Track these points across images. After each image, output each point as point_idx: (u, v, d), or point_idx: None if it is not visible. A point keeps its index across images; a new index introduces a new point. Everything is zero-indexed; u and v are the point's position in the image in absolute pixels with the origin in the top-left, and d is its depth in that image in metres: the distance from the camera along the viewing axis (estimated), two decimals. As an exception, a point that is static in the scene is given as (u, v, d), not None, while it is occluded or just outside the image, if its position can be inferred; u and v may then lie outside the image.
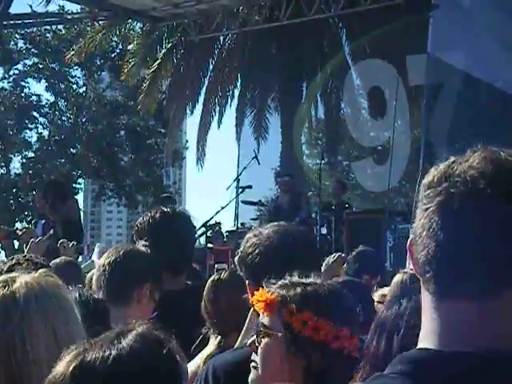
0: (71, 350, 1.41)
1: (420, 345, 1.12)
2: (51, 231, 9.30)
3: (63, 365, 1.37)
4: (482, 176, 1.07)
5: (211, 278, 3.03)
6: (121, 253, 2.92)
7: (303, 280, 1.96)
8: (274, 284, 1.96)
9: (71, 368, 1.35)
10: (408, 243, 1.16)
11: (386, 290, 3.92)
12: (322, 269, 5.11)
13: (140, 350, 1.38)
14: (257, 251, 2.35)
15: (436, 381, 1.04)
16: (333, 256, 5.49)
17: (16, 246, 8.71)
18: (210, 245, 10.89)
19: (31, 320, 1.66)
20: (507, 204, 1.05)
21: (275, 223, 2.50)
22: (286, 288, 1.94)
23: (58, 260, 4.46)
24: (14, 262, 3.24)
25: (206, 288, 2.99)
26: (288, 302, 1.89)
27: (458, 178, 1.09)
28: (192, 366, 2.82)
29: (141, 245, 3.25)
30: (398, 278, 3.76)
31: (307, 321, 1.86)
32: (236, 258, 2.44)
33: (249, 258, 2.36)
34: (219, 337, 2.85)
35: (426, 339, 1.11)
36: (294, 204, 10.97)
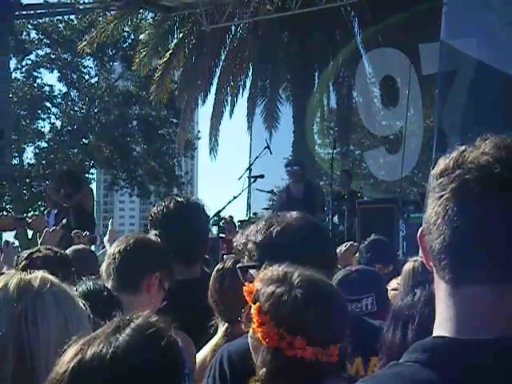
0: (70, 347, 1.41)
1: (435, 333, 1.12)
2: (64, 220, 9.35)
3: (62, 365, 1.38)
4: (497, 161, 1.07)
5: (216, 267, 3.04)
6: (131, 241, 2.92)
7: (294, 275, 1.94)
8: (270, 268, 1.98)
9: (70, 368, 1.36)
10: (419, 234, 1.16)
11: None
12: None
13: (137, 345, 1.37)
14: (286, 238, 2.34)
15: (452, 368, 1.04)
16: (345, 245, 5.50)
17: (29, 236, 8.76)
18: (222, 235, 10.91)
19: (44, 301, 1.68)
20: None
21: (293, 212, 2.49)
22: (266, 282, 1.94)
23: (75, 247, 4.46)
24: (34, 249, 3.27)
25: (211, 277, 3.00)
26: (258, 298, 1.91)
27: (471, 164, 1.08)
28: (200, 354, 2.83)
29: (152, 234, 3.25)
30: (408, 266, 3.75)
31: (264, 323, 1.87)
32: (251, 245, 2.40)
33: (274, 243, 2.34)
34: (226, 325, 2.86)
35: (442, 327, 1.10)
36: (308, 194, 10.93)
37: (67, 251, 4.05)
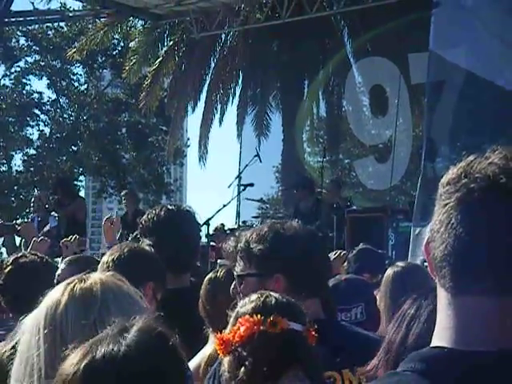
0: (76, 349, 1.40)
1: (434, 341, 1.11)
2: (46, 227, 9.31)
3: (72, 364, 1.37)
4: (503, 172, 1.07)
5: (208, 276, 3.02)
6: (124, 251, 2.92)
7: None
8: None
9: (82, 367, 1.35)
10: (424, 242, 1.15)
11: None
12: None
13: (147, 345, 1.38)
14: (296, 246, 2.33)
15: (448, 380, 1.04)
16: (334, 253, 5.50)
17: (17, 243, 8.72)
18: (212, 243, 10.91)
19: (110, 310, 1.68)
20: None
21: (293, 222, 2.48)
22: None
23: (74, 256, 4.42)
24: (19, 255, 3.26)
25: (202, 286, 2.98)
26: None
27: (478, 174, 1.08)
28: (192, 364, 2.82)
29: (145, 244, 3.25)
30: (389, 271, 3.74)
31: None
32: (257, 251, 2.36)
33: (284, 251, 2.33)
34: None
35: (440, 337, 1.10)
36: (316, 209, 11.02)
37: None
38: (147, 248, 3.10)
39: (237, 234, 2.52)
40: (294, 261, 2.30)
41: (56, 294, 1.71)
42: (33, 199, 11.68)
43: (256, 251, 2.35)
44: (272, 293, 2.01)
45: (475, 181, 1.08)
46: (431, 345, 1.11)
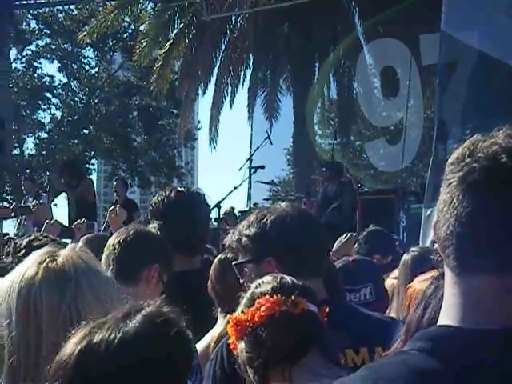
0: (78, 331, 1.41)
1: (441, 319, 1.12)
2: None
3: (69, 347, 1.38)
4: (505, 151, 1.07)
5: (218, 257, 3.04)
6: (131, 233, 2.93)
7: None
8: None
9: (76, 351, 1.36)
10: (433, 222, 1.16)
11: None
12: (334, 248, 5.14)
13: (146, 333, 1.37)
14: (280, 228, 2.34)
15: (453, 359, 1.05)
16: (344, 235, 5.51)
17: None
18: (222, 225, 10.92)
19: (84, 293, 1.69)
20: None
21: (283, 203, 2.51)
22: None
23: (91, 236, 4.44)
24: (32, 237, 3.28)
25: (212, 267, 3.00)
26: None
27: (480, 153, 1.09)
28: (201, 345, 2.84)
29: (152, 226, 3.25)
30: (405, 257, 3.78)
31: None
32: (245, 239, 2.41)
33: (269, 234, 2.34)
34: (228, 316, 2.86)
35: (446, 315, 1.11)
36: (340, 191, 11.01)
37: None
38: (153, 230, 3.11)
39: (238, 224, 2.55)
40: (282, 242, 2.31)
41: (29, 274, 1.69)
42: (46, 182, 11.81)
43: (246, 239, 2.38)
44: (284, 275, 2.02)
45: (477, 160, 1.08)
46: (438, 323, 1.12)
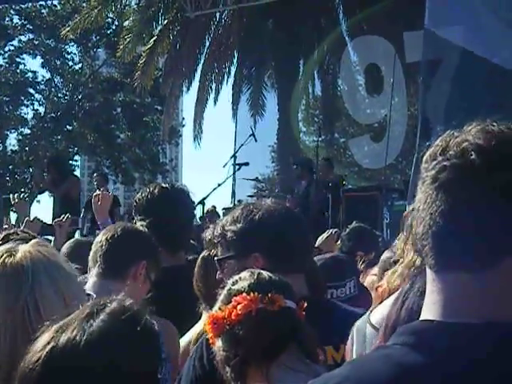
0: (43, 333, 1.38)
1: (423, 315, 1.13)
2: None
3: (35, 353, 1.35)
4: (473, 148, 1.08)
5: (202, 254, 3.03)
6: (118, 230, 2.93)
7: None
8: None
9: (43, 356, 1.33)
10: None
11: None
12: (316, 244, 5.14)
13: (112, 331, 1.35)
14: (268, 223, 2.34)
15: (437, 352, 1.05)
16: (326, 232, 5.52)
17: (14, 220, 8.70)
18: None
19: (41, 286, 1.67)
20: (497, 174, 1.06)
21: (268, 200, 2.50)
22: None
23: (69, 242, 4.39)
24: (11, 231, 3.25)
25: (196, 264, 2.99)
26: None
27: (451, 151, 1.10)
28: (183, 340, 2.84)
29: (139, 224, 3.25)
30: (385, 254, 3.78)
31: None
32: (231, 234, 2.39)
33: (257, 229, 2.34)
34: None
35: (428, 311, 1.12)
36: (307, 192, 11.08)
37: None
38: (141, 228, 3.10)
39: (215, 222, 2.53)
40: (269, 238, 2.31)
41: None
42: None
43: (231, 234, 2.36)
44: (261, 270, 2.00)
45: (449, 158, 1.09)
46: (420, 318, 1.13)
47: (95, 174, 13.09)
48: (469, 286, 1.07)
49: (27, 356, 1.36)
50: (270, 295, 1.87)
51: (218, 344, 1.89)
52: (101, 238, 2.92)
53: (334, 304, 2.55)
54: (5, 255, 1.72)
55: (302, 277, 2.33)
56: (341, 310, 2.45)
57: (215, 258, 2.47)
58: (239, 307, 1.86)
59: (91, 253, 2.93)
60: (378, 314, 2.09)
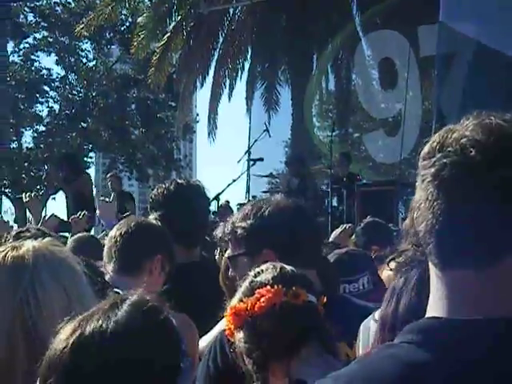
0: (67, 324, 1.40)
1: (429, 313, 1.13)
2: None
3: (60, 341, 1.37)
4: (472, 144, 1.07)
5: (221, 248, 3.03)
6: (132, 224, 2.93)
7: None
8: None
9: (70, 344, 1.35)
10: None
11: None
12: (331, 239, 5.14)
13: (137, 320, 1.37)
14: (279, 218, 2.34)
15: (444, 349, 1.06)
16: (341, 227, 5.51)
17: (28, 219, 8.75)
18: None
19: (41, 279, 1.68)
20: (497, 170, 1.05)
21: (277, 196, 2.50)
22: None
23: (78, 236, 4.43)
24: (24, 229, 3.27)
25: (222, 261, 2.99)
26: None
27: (450, 147, 1.09)
28: (208, 337, 2.82)
29: (152, 218, 3.25)
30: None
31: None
32: (241, 231, 2.38)
33: (268, 224, 2.34)
34: None
35: (434, 308, 1.12)
36: (301, 188, 11.10)
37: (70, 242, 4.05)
38: (154, 221, 3.10)
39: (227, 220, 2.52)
40: (280, 234, 2.30)
41: None
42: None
43: (241, 230, 2.36)
44: (283, 264, 2.00)
45: (448, 155, 1.08)
46: (426, 315, 1.13)
47: (109, 175, 13.12)
48: (472, 283, 1.07)
49: (53, 345, 1.37)
50: (294, 289, 1.87)
51: (239, 336, 1.88)
52: (114, 233, 2.92)
53: (346, 299, 2.55)
54: (8, 249, 1.74)
55: (314, 272, 2.33)
56: (352, 304, 2.45)
57: (227, 256, 2.47)
58: (263, 300, 1.85)
59: (106, 248, 2.94)
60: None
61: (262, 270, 1.96)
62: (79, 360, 1.34)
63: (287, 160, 11.96)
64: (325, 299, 1.95)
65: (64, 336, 1.37)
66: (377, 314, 2.07)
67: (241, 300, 1.90)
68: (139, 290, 1.47)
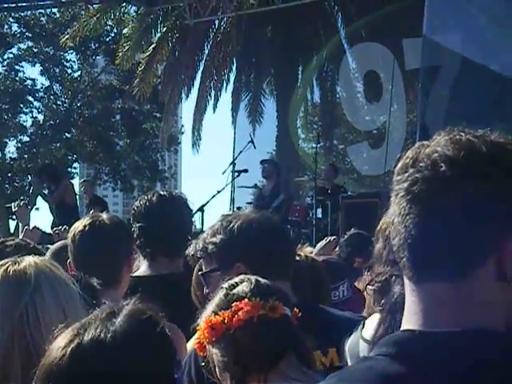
0: (64, 333, 1.40)
1: (403, 326, 1.14)
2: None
3: (59, 348, 1.37)
4: (443, 159, 1.09)
5: (198, 264, 3.02)
6: (95, 234, 2.86)
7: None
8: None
9: (68, 352, 1.35)
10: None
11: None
12: (315, 251, 5.13)
13: (134, 330, 1.38)
14: (248, 233, 2.34)
15: (418, 361, 1.06)
16: (325, 239, 5.51)
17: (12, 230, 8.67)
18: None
19: (42, 294, 1.69)
20: (467, 184, 1.07)
21: (247, 210, 2.52)
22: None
23: (54, 246, 4.39)
24: (7, 239, 3.24)
25: (194, 272, 2.98)
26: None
27: (422, 162, 1.11)
28: (188, 346, 2.82)
29: (104, 214, 3.11)
30: None
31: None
32: (212, 246, 2.38)
33: (236, 239, 2.34)
34: None
35: (409, 321, 1.13)
36: (276, 190, 11.09)
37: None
38: (105, 216, 2.99)
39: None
40: (250, 247, 2.31)
41: None
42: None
43: (212, 246, 2.38)
44: (257, 277, 1.98)
45: (420, 170, 1.10)
46: (401, 328, 1.14)
47: (82, 180, 13.15)
48: (445, 296, 1.09)
49: (49, 353, 1.37)
50: (271, 302, 1.85)
51: (214, 350, 1.86)
52: (77, 244, 2.87)
53: (321, 309, 2.55)
54: (9, 263, 1.75)
55: (287, 284, 2.32)
56: (328, 314, 2.46)
57: (200, 273, 2.46)
58: (241, 313, 1.83)
59: (71, 260, 2.90)
60: (371, 328, 2.08)
61: (237, 283, 1.94)
62: (76, 368, 1.34)
63: (265, 161, 11.91)
64: (299, 313, 1.94)
65: (62, 344, 1.37)
66: (365, 333, 2.06)
67: (216, 313, 1.87)
68: (132, 301, 1.47)
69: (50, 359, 1.36)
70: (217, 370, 1.86)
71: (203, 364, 1.92)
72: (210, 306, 1.91)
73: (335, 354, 2.24)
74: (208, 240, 2.39)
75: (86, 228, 2.88)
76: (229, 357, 1.82)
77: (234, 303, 1.85)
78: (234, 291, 1.91)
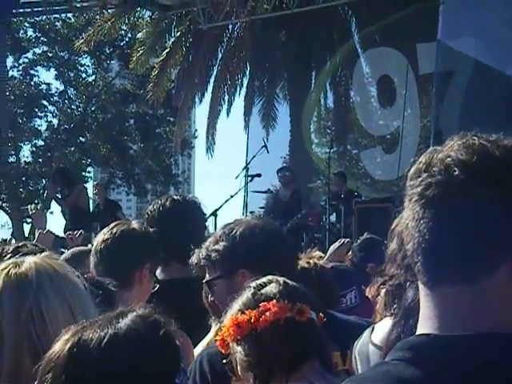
0: (70, 329, 1.42)
1: (418, 330, 1.14)
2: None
3: (60, 343, 1.38)
4: (456, 164, 1.10)
5: None
6: (116, 235, 2.89)
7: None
8: None
9: (67, 347, 1.36)
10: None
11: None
12: (328, 254, 5.12)
13: (136, 331, 1.38)
14: (249, 240, 2.36)
15: (433, 365, 1.07)
16: (338, 241, 5.49)
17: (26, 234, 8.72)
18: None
19: (47, 295, 1.69)
20: (480, 189, 1.07)
21: (249, 217, 2.53)
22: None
23: (71, 250, 4.41)
24: (21, 244, 3.26)
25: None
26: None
27: (435, 167, 1.11)
28: (196, 351, 2.82)
29: (134, 222, 3.17)
30: None
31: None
32: (215, 254, 2.38)
33: (239, 246, 2.35)
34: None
35: (424, 325, 1.14)
36: (295, 198, 11.11)
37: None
38: (136, 226, 3.04)
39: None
40: (252, 253, 2.32)
41: None
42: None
43: (215, 254, 2.38)
44: (285, 278, 1.98)
45: (433, 175, 1.11)
46: (417, 333, 1.15)
47: (95, 183, 13.23)
48: (459, 300, 1.09)
49: (52, 347, 1.39)
50: (298, 305, 1.86)
51: (238, 348, 1.85)
52: (99, 246, 2.89)
53: (331, 314, 2.56)
54: (10, 266, 1.74)
55: None
56: (334, 318, 2.46)
57: (204, 281, 2.47)
58: (268, 314, 1.82)
59: (92, 262, 2.91)
60: (381, 333, 2.08)
61: (265, 283, 1.94)
62: (74, 364, 1.35)
63: (288, 169, 11.96)
64: (324, 317, 1.94)
65: (63, 339, 1.39)
66: (374, 337, 2.06)
67: (242, 311, 1.87)
68: (138, 305, 1.49)
69: (50, 355, 1.38)
70: (239, 368, 1.86)
71: (224, 362, 1.92)
72: (237, 304, 1.91)
73: (339, 357, 2.25)
74: (211, 248, 2.40)
75: (115, 235, 2.89)
76: (253, 357, 1.83)
77: (262, 303, 1.85)
78: (262, 291, 1.91)
